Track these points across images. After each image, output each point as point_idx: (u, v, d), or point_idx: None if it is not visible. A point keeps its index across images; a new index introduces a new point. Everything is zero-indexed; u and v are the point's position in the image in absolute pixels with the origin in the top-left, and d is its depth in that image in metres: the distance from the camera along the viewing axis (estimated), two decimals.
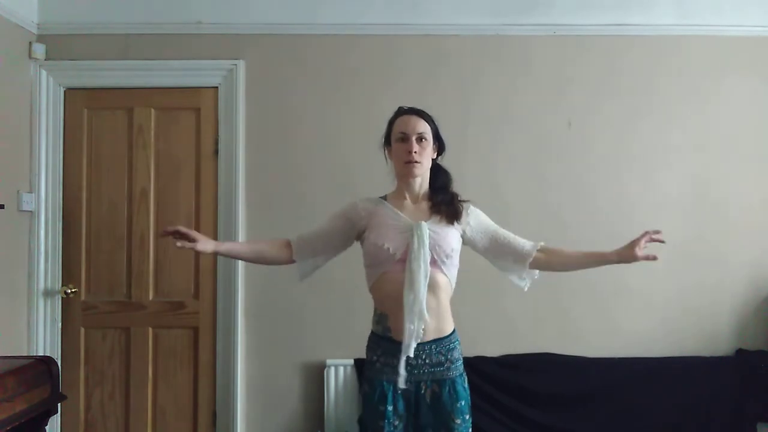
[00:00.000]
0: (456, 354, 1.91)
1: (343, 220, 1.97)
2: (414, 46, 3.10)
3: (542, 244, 1.97)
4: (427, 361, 1.86)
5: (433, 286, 1.84)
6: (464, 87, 3.09)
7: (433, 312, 1.84)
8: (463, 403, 1.88)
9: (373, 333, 1.95)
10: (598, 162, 3.11)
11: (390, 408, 1.84)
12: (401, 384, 1.82)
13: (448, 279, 1.90)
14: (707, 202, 3.12)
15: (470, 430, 1.90)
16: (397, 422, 1.85)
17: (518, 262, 1.97)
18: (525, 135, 3.10)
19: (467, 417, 1.88)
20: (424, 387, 1.86)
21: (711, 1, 3.12)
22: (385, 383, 1.86)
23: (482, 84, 3.11)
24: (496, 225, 2.01)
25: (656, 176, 3.12)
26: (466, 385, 1.92)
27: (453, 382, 1.88)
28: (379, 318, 1.92)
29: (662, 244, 1.89)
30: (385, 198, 1.99)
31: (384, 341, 1.89)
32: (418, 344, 1.83)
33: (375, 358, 1.91)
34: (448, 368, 1.88)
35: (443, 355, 1.87)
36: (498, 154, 3.10)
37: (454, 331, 1.93)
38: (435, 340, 1.86)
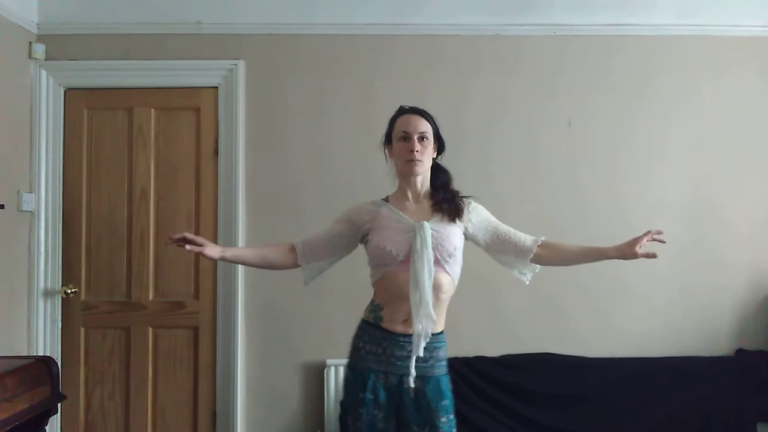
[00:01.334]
0: (441, 354, 1.91)
1: (347, 224, 1.98)
2: (413, 45, 3.10)
3: (543, 239, 1.98)
4: (411, 354, 1.85)
5: (435, 286, 1.84)
6: (462, 87, 3.09)
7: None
8: (447, 402, 1.88)
9: (363, 321, 1.96)
10: (596, 162, 3.11)
11: (370, 396, 1.85)
12: (411, 383, 1.83)
13: (451, 278, 1.90)
14: (706, 203, 3.11)
15: (454, 430, 1.89)
16: (376, 411, 1.85)
17: (520, 257, 1.98)
18: (523, 135, 3.10)
19: (452, 417, 1.88)
20: (406, 381, 1.85)
21: (710, 1, 3.12)
22: (365, 371, 1.87)
23: (480, 84, 3.10)
24: (497, 221, 2.01)
25: (655, 177, 3.12)
26: (450, 387, 1.92)
27: (437, 380, 1.88)
28: (374, 307, 1.93)
29: (662, 245, 1.90)
30: (387, 200, 2.00)
31: (372, 328, 1.90)
32: (405, 336, 1.85)
33: (361, 344, 1.92)
34: (432, 366, 1.88)
35: (428, 351, 1.86)
36: (495, 153, 3.09)
37: (442, 331, 1.93)
38: None
